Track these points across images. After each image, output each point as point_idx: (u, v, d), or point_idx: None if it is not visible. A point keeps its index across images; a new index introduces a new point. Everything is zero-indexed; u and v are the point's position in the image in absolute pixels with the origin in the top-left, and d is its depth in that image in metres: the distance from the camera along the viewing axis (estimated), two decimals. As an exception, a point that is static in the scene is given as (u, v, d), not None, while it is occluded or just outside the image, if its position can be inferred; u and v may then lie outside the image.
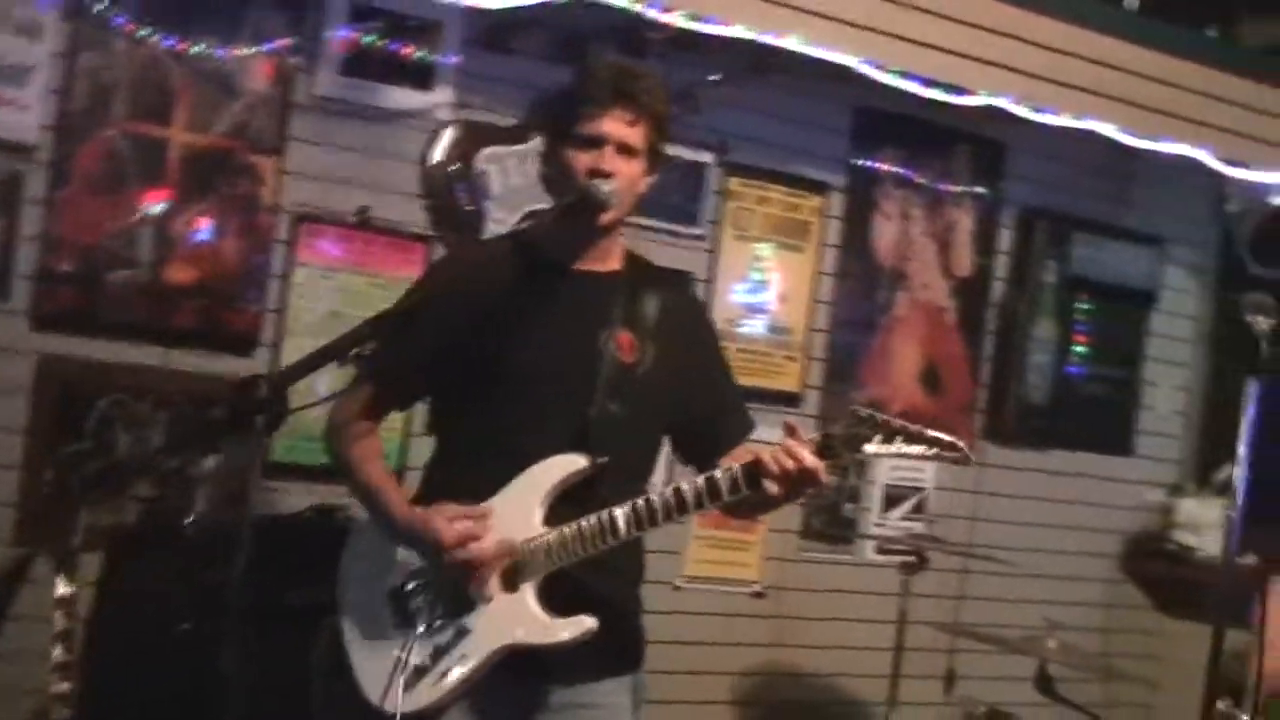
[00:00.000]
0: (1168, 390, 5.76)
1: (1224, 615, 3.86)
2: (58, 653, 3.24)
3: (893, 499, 5.18)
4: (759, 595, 4.90)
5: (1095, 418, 5.67)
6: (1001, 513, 5.35)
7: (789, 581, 4.95)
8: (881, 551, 4.99)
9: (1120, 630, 5.59)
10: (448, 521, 2.76)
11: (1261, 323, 3.52)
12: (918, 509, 5.21)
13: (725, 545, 4.81)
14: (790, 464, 2.68)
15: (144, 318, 3.83)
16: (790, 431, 2.75)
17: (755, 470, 2.72)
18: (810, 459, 2.68)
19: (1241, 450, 3.45)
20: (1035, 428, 5.47)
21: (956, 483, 5.18)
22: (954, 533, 5.10)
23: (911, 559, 4.58)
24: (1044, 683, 4.48)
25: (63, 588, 3.23)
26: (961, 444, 2.80)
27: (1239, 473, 4.53)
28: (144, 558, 3.76)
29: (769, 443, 2.80)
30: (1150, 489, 5.81)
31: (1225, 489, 4.98)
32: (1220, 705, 3.86)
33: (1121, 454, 5.72)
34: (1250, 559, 4.57)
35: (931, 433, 2.75)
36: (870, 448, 2.78)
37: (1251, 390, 3.41)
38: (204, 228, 3.90)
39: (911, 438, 2.75)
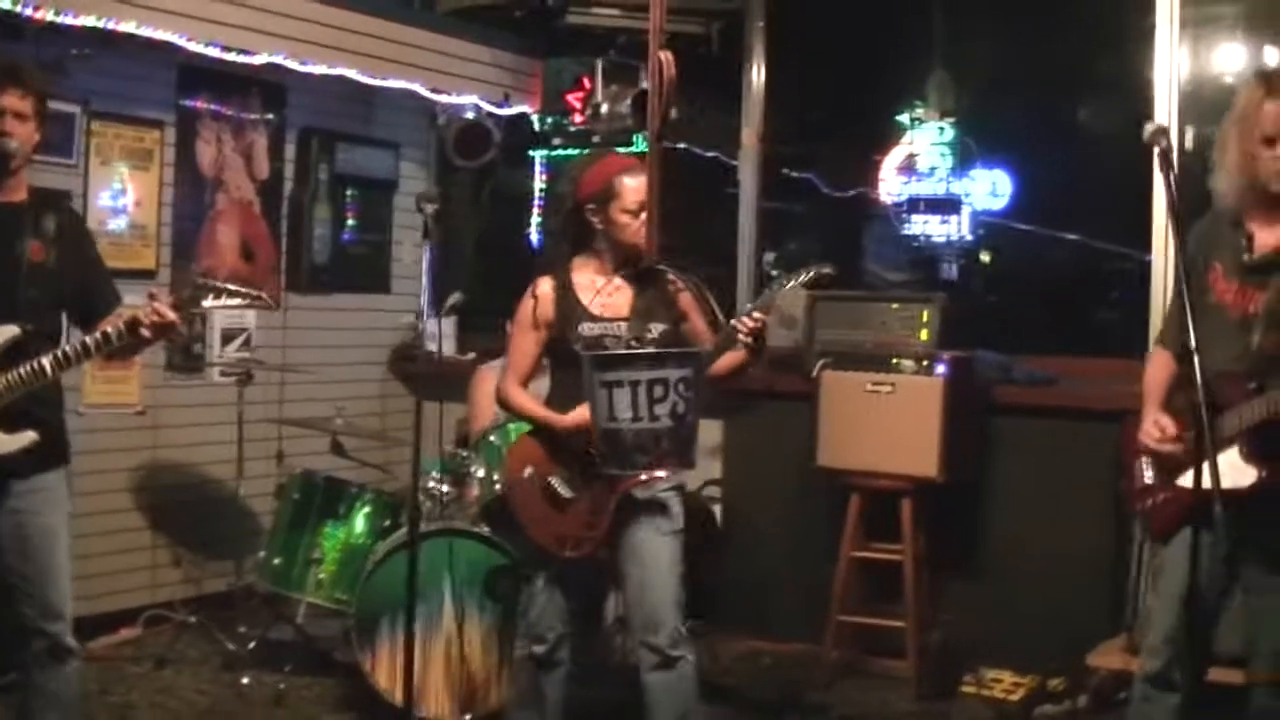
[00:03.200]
0: (410, 247, 6.73)
1: (446, 395, 5.13)
2: None
3: (227, 337, 6.06)
4: (140, 413, 5.73)
5: (363, 270, 6.75)
6: (305, 340, 6.32)
7: (161, 402, 5.80)
8: (223, 374, 5.83)
9: (392, 411, 6.77)
10: None
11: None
12: (246, 343, 6.12)
13: (112, 380, 5.57)
14: (156, 318, 3.37)
15: None
16: (152, 297, 3.41)
17: (133, 324, 3.36)
18: (169, 313, 3.38)
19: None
20: (322, 280, 6.50)
21: (271, 323, 6.12)
22: (273, 357, 6.01)
23: (244, 377, 5.41)
24: (336, 449, 5.46)
25: None
26: (263, 294, 3.61)
27: (459, 299, 6.41)
28: None
29: (138, 306, 3.42)
30: (403, 315, 6.88)
31: (451, 311, 6.56)
32: (449, 448, 5.11)
33: (383, 293, 6.88)
34: (471, 355, 6.45)
35: (244, 289, 3.54)
36: (206, 302, 3.46)
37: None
38: None
39: (231, 294, 3.49)
